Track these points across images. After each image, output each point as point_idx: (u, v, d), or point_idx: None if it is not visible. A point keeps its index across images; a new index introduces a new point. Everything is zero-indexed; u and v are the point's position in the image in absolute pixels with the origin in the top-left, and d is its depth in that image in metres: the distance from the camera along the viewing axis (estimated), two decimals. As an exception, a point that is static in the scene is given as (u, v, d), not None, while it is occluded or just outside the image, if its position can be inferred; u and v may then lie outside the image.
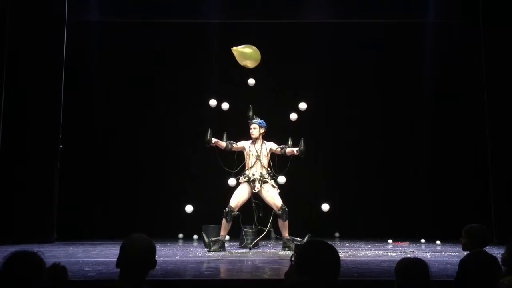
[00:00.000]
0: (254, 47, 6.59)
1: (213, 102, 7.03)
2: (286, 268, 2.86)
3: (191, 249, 6.82)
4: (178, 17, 8.59)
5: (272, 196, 6.64)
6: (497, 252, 6.06)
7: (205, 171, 8.33)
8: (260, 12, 8.53)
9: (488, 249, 3.47)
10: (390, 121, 8.88)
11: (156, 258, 2.33)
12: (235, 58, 6.54)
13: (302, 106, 7.05)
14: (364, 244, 7.29)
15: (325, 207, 7.03)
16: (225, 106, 7.08)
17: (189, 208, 7.01)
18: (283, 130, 7.23)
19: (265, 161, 6.76)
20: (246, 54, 6.54)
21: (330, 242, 2.25)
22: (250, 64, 6.60)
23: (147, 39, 8.80)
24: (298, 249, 2.25)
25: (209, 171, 8.01)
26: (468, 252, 3.48)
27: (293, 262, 2.26)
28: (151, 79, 8.85)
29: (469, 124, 8.52)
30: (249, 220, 6.92)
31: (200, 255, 6.15)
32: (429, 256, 5.94)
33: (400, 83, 8.86)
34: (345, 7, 8.60)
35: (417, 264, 2.45)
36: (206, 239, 6.48)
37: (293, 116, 7.06)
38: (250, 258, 5.89)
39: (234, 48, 6.53)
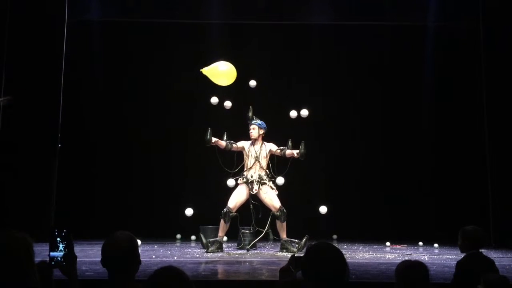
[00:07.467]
0: (228, 63, 6.48)
1: (214, 100, 7.02)
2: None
3: (189, 250, 6.81)
4: (178, 17, 8.58)
5: (270, 197, 6.64)
6: (494, 255, 6.09)
7: (204, 171, 8.32)
8: (261, 13, 8.52)
9: (486, 252, 3.48)
10: (391, 123, 8.87)
11: (140, 256, 2.34)
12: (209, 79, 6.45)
13: (304, 112, 7.04)
14: (362, 246, 7.29)
15: (323, 209, 7.03)
16: (227, 104, 7.08)
17: (189, 212, 7.00)
18: (284, 132, 7.22)
19: (264, 163, 6.75)
20: (219, 71, 6.43)
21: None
22: (225, 81, 6.50)
23: (147, 39, 8.78)
24: (304, 253, 2.25)
25: (208, 171, 8.01)
26: (465, 254, 3.51)
27: (292, 267, 2.26)
28: (150, 79, 8.83)
29: (469, 126, 8.52)
30: (247, 221, 6.92)
31: (197, 255, 6.14)
32: (427, 259, 5.93)
33: (401, 85, 8.84)
34: (346, 10, 8.60)
35: (417, 267, 2.46)
36: (204, 240, 6.47)
37: (293, 114, 7.04)
38: (248, 259, 5.89)
39: (203, 69, 6.47)
